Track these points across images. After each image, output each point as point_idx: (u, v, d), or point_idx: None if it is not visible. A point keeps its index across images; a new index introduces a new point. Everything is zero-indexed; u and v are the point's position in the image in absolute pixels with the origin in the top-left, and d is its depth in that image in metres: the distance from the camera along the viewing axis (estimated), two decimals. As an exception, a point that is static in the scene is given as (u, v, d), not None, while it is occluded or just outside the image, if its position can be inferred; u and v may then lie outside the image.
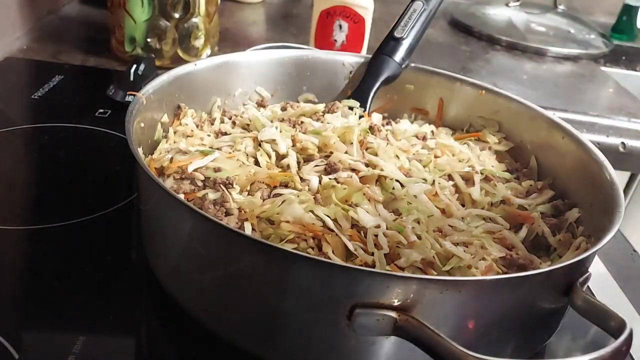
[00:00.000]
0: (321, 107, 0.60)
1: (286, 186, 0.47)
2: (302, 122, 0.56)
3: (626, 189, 0.97)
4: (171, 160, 0.48)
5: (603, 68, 1.16)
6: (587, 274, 0.40)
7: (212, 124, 0.56)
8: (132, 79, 0.72)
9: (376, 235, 0.42)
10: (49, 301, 0.43)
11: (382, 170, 0.49)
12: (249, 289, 0.37)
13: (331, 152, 0.50)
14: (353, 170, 0.49)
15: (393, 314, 0.34)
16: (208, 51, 0.90)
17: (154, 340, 0.43)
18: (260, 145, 0.51)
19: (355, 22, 0.84)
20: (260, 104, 0.62)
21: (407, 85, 0.65)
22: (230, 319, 0.40)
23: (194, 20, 0.84)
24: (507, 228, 0.47)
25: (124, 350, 0.41)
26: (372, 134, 0.55)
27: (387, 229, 0.43)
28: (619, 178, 0.47)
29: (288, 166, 0.49)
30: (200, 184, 0.46)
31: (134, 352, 0.41)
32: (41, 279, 0.45)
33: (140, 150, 0.46)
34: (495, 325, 0.38)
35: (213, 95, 0.59)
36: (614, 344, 0.34)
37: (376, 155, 0.51)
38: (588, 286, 0.40)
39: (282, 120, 0.57)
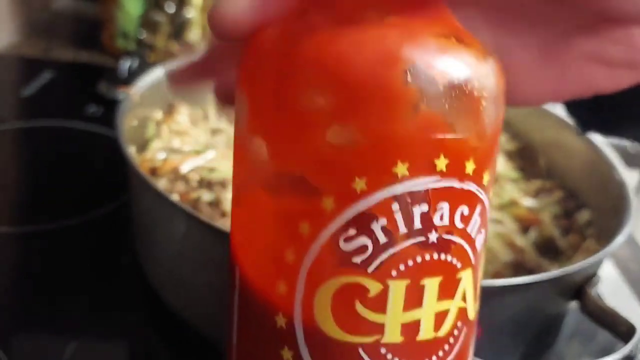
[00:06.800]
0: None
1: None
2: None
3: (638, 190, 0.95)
4: (164, 159, 0.47)
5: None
6: (597, 277, 0.39)
7: (208, 121, 0.55)
8: (124, 75, 0.70)
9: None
10: (39, 306, 0.42)
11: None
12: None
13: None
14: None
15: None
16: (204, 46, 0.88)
17: (147, 347, 0.42)
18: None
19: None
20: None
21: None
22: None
23: (190, 13, 0.83)
24: (515, 230, 0.46)
25: (116, 356, 0.40)
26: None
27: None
28: (630, 178, 0.46)
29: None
30: (195, 184, 0.45)
31: (126, 359, 0.40)
32: (30, 283, 0.44)
33: (133, 149, 0.45)
34: (503, 330, 0.37)
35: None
36: (623, 349, 0.34)
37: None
38: (597, 290, 0.39)
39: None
